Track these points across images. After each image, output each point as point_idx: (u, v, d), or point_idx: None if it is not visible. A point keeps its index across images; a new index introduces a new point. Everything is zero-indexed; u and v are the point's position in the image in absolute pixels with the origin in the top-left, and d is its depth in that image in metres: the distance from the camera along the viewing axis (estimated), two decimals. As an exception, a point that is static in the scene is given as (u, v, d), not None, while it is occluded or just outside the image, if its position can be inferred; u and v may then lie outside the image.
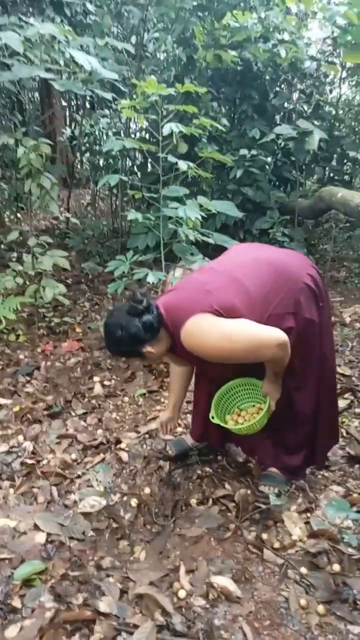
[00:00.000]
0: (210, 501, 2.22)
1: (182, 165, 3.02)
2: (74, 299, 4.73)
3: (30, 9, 6.86)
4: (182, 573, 1.88)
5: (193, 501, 2.23)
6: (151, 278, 3.00)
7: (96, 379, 3.29)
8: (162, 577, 1.87)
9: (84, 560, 1.94)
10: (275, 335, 1.79)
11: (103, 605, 1.74)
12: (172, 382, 2.38)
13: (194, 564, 1.92)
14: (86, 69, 2.83)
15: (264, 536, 2.06)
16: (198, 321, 1.81)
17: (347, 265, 5.92)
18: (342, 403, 2.92)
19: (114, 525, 2.13)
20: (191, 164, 3.12)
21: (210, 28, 4.22)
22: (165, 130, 2.93)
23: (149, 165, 5.57)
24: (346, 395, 3.02)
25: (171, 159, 3.10)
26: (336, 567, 1.89)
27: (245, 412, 2.13)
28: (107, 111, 6.73)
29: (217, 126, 3.24)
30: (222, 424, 2.05)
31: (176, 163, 3.04)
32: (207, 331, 1.79)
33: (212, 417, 2.06)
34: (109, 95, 3.25)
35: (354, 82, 7.05)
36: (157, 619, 1.70)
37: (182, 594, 1.79)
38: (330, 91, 7.09)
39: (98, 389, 3.15)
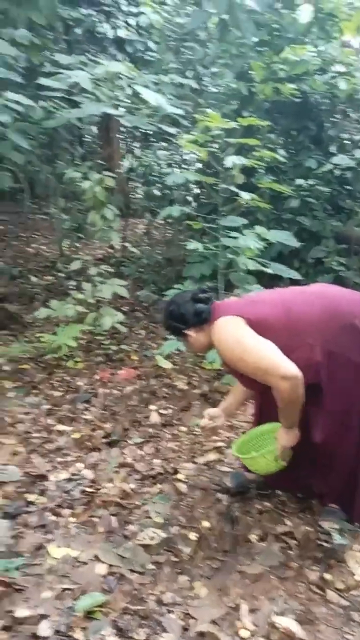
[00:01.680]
0: (271, 537, 2.18)
1: (245, 196, 3.06)
2: (130, 326, 4.80)
3: (93, 47, 7.19)
4: (243, 612, 1.84)
5: (253, 537, 2.19)
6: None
7: (152, 407, 3.31)
8: (223, 615, 1.84)
9: (144, 594, 1.93)
10: (285, 367, 1.83)
11: (165, 642, 1.72)
12: (233, 387, 2.49)
13: (256, 602, 1.89)
14: (152, 104, 2.93)
15: (327, 576, 2.00)
16: (228, 320, 2.00)
17: None
18: None
19: (173, 559, 2.11)
20: (253, 195, 3.16)
21: (269, 62, 4.29)
22: (228, 163, 2.98)
23: (205, 195, 5.64)
24: None
25: (233, 190, 3.14)
26: None
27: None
28: (163, 143, 6.91)
29: (279, 158, 3.28)
30: (236, 453, 2.25)
31: (237, 194, 3.08)
32: (229, 332, 1.97)
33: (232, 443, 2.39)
34: (172, 130, 3.35)
35: None
36: (219, 659, 1.67)
37: (244, 633, 1.76)
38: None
39: (155, 418, 3.17)
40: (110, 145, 7.94)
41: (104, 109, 3.07)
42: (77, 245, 6.57)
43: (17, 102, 3.27)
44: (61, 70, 3.35)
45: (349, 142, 5.70)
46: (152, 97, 3.00)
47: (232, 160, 2.99)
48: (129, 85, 3.35)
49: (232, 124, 3.02)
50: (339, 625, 1.80)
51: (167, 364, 3.85)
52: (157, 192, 6.52)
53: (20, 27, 4.31)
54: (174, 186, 5.90)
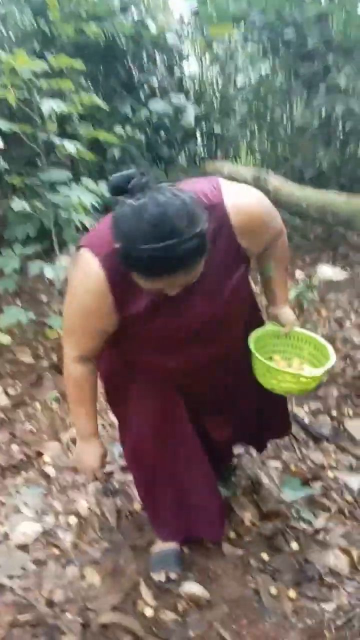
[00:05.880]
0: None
1: (69, 146, 2.78)
2: None
3: None
4: (143, 589, 1.74)
5: (137, 506, 2.08)
6: (50, 273, 2.74)
7: (-3, 388, 2.97)
8: (123, 599, 1.72)
9: (31, 600, 1.72)
10: None
11: (66, 647, 1.55)
12: (86, 397, 1.51)
13: (154, 574, 1.79)
14: None
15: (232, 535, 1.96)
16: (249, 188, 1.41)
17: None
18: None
19: (56, 551, 1.92)
20: (78, 144, 2.89)
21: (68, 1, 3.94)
22: (45, 109, 2.66)
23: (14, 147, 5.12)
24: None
25: (54, 139, 2.83)
26: (294, 546, 1.87)
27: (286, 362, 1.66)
28: None
29: (99, 103, 3.02)
30: (264, 361, 1.50)
31: (57, 145, 2.78)
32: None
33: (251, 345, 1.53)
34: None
35: (212, 58, 7.07)
36: (129, 647, 1.56)
37: (149, 612, 1.66)
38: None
39: (3, 400, 2.85)
40: None
41: None
42: None
43: None
44: None
45: (159, 88, 5.61)
46: None
47: (49, 105, 2.68)
48: None
49: (42, 65, 2.69)
50: (239, 575, 1.79)
51: (6, 339, 3.47)
52: None
53: None
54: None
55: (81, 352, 1.41)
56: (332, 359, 1.52)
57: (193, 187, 1.27)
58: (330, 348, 1.56)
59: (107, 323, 1.33)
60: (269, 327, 1.65)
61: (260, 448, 2.10)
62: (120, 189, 1.09)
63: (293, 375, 1.49)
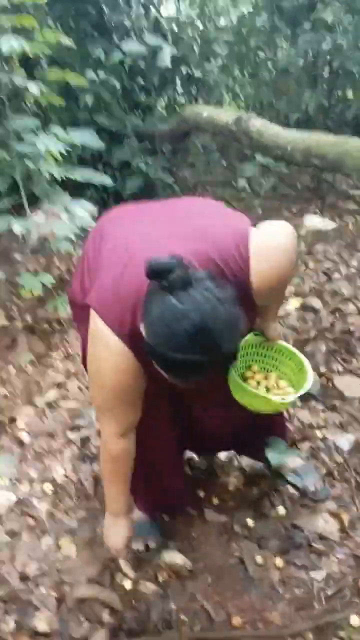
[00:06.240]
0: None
1: (34, 88, 2.54)
2: None
3: None
4: (122, 560, 1.65)
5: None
6: (17, 228, 2.55)
7: (-31, 353, 2.82)
8: (101, 571, 1.63)
9: (4, 573, 1.63)
10: None
11: (41, 624, 1.47)
12: (121, 473, 1.41)
13: (134, 544, 1.70)
14: None
15: (201, 494, 1.88)
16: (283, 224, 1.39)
17: (208, 189, 5.77)
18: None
19: (31, 521, 1.82)
20: (44, 88, 2.65)
21: None
22: (4, 47, 2.40)
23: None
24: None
25: (19, 81, 2.59)
26: (281, 510, 1.78)
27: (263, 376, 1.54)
28: None
29: (67, 41, 2.76)
30: (236, 378, 1.37)
31: (26, 88, 2.54)
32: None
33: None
34: None
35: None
36: (107, 623, 1.47)
37: (127, 584, 1.58)
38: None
39: (-25, 365, 2.71)
40: None
41: None
42: None
43: None
44: None
45: (133, 29, 5.26)
46: None
47: (9, 43, 2.42)
48: None
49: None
50: (223, 543, 1.70)
51: (-24, 300, 3.31)
52: None
53: None
54: None
55: (123, 426, 1.31)
56: (309, 381, 1.39)
57: (218, 248, 1.16)
58: (309, 370, 1.43)
59: (142, 386, 1.26)
60: (251, 336, 1.52)
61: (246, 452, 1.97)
62: (158, 277, 0.98)
63: (263, 398, 1.37)
